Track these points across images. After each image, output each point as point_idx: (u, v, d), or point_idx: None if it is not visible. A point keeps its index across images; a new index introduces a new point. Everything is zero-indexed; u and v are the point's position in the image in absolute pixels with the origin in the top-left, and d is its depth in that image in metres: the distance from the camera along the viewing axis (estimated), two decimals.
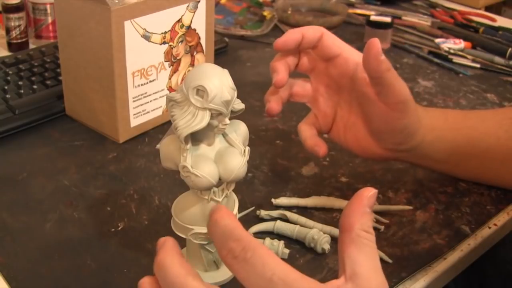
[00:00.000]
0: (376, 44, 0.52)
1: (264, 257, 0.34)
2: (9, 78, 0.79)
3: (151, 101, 0.73)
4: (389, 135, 0.57)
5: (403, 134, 0.57)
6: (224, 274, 0.52)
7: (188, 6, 0.72)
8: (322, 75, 0.59)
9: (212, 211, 0.37)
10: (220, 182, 0.47)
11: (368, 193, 0.36)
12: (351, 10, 1.17)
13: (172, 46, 0.72)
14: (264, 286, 0.33)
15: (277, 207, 0.61)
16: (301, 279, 0.33)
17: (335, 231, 0.57)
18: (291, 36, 0.58)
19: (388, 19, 1.02)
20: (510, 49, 0.98)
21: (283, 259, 0.54)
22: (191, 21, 0.73)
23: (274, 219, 0.59)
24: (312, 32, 0.57)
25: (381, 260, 0.55)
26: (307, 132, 0.60)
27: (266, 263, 0.33)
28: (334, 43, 0.57)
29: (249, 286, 0.34)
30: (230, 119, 0.46)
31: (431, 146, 0.59)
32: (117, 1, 0.64)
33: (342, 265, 0.35)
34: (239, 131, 0.49)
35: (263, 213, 0.60)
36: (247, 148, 0.48)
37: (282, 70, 0.57)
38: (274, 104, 0.58)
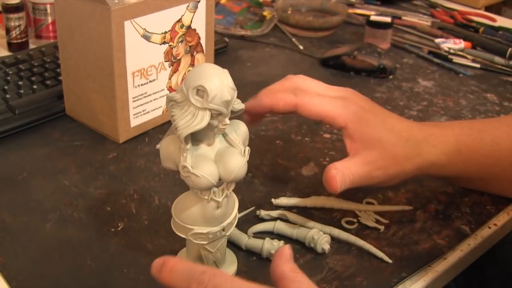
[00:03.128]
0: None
1: (230, 279, 0.39)
2: (9, 78, 0.79)
3: (151, 101, 0.73)
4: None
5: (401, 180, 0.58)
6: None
7: (188, 6, 0.72)
8: None
9: (159, 265, 0.41)
10: (220, 182, 0.47)
11: (285, 248, 0.43)
12: (351, 10, 1.17)
13: (172, 46, 0.72)
14: None
15: (277, 207, 0.61)
16: None
17: (335, 231, 0.57)
18: (260, 104, 0.57)
19: (388, 19, 1.02)
20: (510, 49, 0.98)
21: None
22: (191, 21, 0.73)
23: (274, 219, 0.59)
24: (283, 106, 0.56)
25: (381, 260, 0.55)
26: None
27: (233, 281, 0.39)
28: (311, 113, 0.56)
29: None
30: (230, 119, 0.46)
31: (441, 169, 0.58)
32: (117, 1, 0.64)
33: None
34: (239, 131, 0.49)
35: (263, 213, 0.60)
36: (247, 148, 0.48)
37: (262, 104, 0.57)
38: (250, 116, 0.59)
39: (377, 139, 0.55)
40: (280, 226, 0.58)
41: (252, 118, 0.60)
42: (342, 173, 0.53)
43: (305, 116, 0.56)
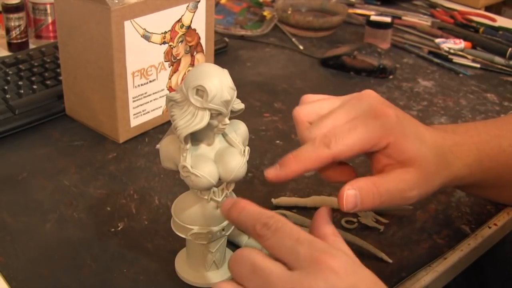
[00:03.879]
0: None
1: (291, 225, 0.40)
2: (9, 78, 0.79)
3: (151, 101, 0.73)
4: None
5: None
6: (224, 274, 0.52)
7: (188, 6, 0.72)
8: None
9: (229, 204, 0.43)
10: (220, 182, 0.47)
11: (328, 209, 0.44)
12: (351, 10, 1.17)
13: (172, 46, 0.72)
14: (292, 245, 0.39)
15: (277, 207, 0.61)
16: (320, 241, 0.40)
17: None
18: (292, 173, 0.48)
19: (388, 19, 1.02)
20: (510, 49, 0.98)
21: None
22: (191, 21, 0.73)
23: None
24: (319, 166, 0.47)
25: (381, 260, 0.55)
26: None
27: (294, 228, 0.40)
28: (353, 154, 0.47)
29: (279, 248, 0.39)
30: (230, 119, 0.46)
31: (461, 181, 0.54)
32: (117, 1, 0.64)
33: None
34: (239, 131, 0.49)
35: None
36: (247, 148, 0.48)
37: (294, 169, 0.48)
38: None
39: (414, 156, 0.48)
40: None
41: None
42: (364, 191, 0.46)
43: (347, 160, 0.48)
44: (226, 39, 0.99)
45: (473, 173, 0.54)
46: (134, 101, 0.70)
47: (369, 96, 0.50)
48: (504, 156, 0.56)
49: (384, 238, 0.58)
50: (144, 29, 0.68)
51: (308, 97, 0.53)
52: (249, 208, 0.43)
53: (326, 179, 0.50)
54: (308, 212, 0.61)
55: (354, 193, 0.46)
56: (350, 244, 0.56)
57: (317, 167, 0.48)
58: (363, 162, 0.69)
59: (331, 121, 0.49)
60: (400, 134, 0.48)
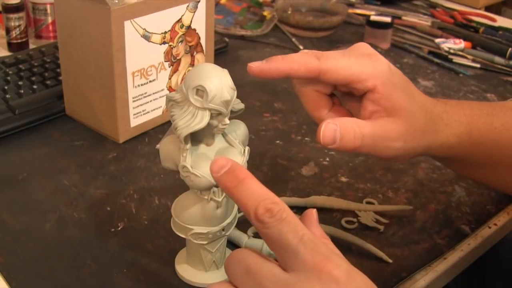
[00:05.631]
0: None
1: (296, 220, 0.37)
2: (9, 78, 0.79)
3: (151, 101, 0.73)
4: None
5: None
6: (224, 274, 0.52)
7: (188, 6, 0.72)
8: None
9: (221, 166, 0.38)
10: None
11: (314, 211, 0.42)
12: (351, 10, 1.17)
13: (172, 46, 0.72)
14: (295, 243, 0.36)
15: None
16: (324, 244, 0.37)
17: (335, 231, 0.57)
18: (273, 67, 0.48)
19: (388, 19, 1.02)
20: (510, 49, 0.98)
21: None
22: (191, 21, 0.73)
23: None
24: (304, 71, 0.48)
25: (381, 260, 0.55)
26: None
27: (298, 224, 0.37)
28: (339, 78, 0.48)
29: (280, 241, 0.36)
30: (230, 119, 0.46)
31: (448, 150, 0.54)
32: (117, 1, 0.64)
33: None
34: (239, 131, 0.49)
35: None
36: (247, 148, 0.48)
37: (277, 66, 0.48)
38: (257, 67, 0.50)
39: (403, 107, 0.49)
40: None
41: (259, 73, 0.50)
42: (345, 129, 0.46)
43: (331, 82, 0.48)
44: (226, 39, 0.99)
45: (462, 144, 0.54)
46: (134, 101, 0.70)
47: (365, 45, 0.51)
48: (495, 134, 0.56)
49: (384, 238, 0.58)
50: (144, 29, 0.68)
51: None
52: (251, 184, 0.38)
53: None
54: None
55: (334, 127, 0.46)
56: (350, 244, 0.57)
57: (302, 74, 0.47)
58: (363, 162, 0.70)
59: (332, 52, 0.49)
60: (389, 82, 0.48)
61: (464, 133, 0.53)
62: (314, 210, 0.41)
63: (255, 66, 0.49)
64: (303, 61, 0.48)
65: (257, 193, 0.37)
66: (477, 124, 0.54)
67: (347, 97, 0.52)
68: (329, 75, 0.48)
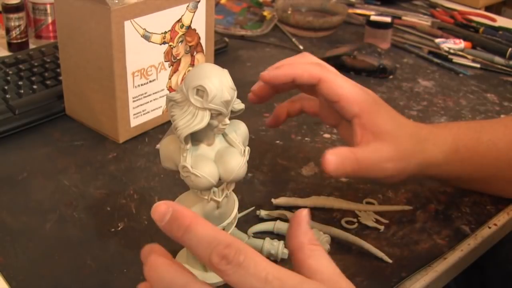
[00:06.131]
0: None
1: (255, 258, 0.35)
2: (9, 78, 0.79)
3: (151, 101, 0.73)
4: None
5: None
6: None
7: (188, 6, 0.72)
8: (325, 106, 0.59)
9: (168, 212, 0.37)
10: (220, 182, 0.47)
11: (303, 213, 0.39)
12: (351, 10, 1.17)
13: (172, 46, 0.72)
14: (260, 287, 0.34)
15: (277, 207, 0.61)
16: (293, 275, 0.35)
17: (335, 231, 0.57)
18: (281, 73, 0.55)
19: (388, 19, 1.02)
20: (510, 49, 0.98)
21: (283, 259, 0.54)
22: (191, 21, 0.73)
23: (274, 219, 0.59)
24: (307, 77, 0.54)
25: (381, 260, 0.55)
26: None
27: (258, 263, 0.34)
28: (331, 91, 0.54)
29: (245, 287, 0.34)
30: (230, 119, 0.46)
31: (438, 168, 0.58)
32: (117, 1, 0.64)
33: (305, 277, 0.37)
34: (239, 131, 0.49)
35: (263, 213, 0.60)
36: (247, 148, 0.48)
37: (283, 73, 0.56)
38: (273, 121, 0.62)
39: (389, 132, 0.54)
40: (280, 226, 0.58)
41: (258, 98, 0.59)
42: (343, 157, 0.52)
43: (324, 93, 0.54)
44: (226, 39, 0.99)
45: (450, 161, 0.57)
46: (134, 101, 0.70)
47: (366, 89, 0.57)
48: (482, 148, 0.59)
49: (384, 238, 0.58)
50: (144, 29, 0.68)
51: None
52: (197, 230, 0.35)
53: (322, 119, 0.60)
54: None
55: (335, 158, 0.51)
56: (350, 244, 0.57)
57: (305, 79, 0.54)
58: None
59: (330, 67, 0.57)
60: (374, 110, 0.54)
61: (450, 150, 0.57)
62: (305, 212, 0.39)
63: (267, 73, 0.55)
64: (307, 68, 0.54)
65: (206, 239, 0.35)
66: (464, 141, 0.58)
67: (343, 126, 0.59)
68: (325, 86, 0.54)
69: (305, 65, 0.55)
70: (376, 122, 0.54)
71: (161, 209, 0.37)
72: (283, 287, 0.34)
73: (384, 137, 0.54)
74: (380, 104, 0.56)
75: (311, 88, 0.56)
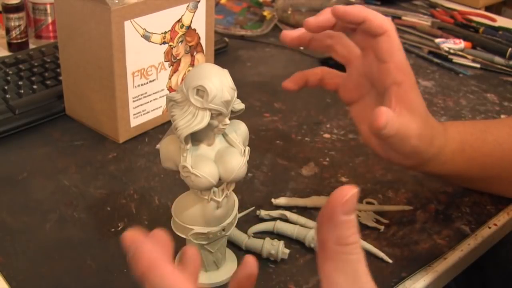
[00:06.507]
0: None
1: None
2: (9, 78, 0.79)
3: (151, 101, 0.73)
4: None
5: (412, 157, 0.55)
6: (224, 274, 0.52)
7: (188, 6, 0.72)
8: (358, 63, 0.56)
9: (136, 256, 0.34)
10: (220, 182, 0.47)
11: (344, 198, 0.31)
12: None
13: (172, 46, 0.72)
14: None
15: (277, 207, 0.61)
16: None
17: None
18: (355, 11, 0.51)
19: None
20: (510, 49, 0.98)
21: (283, 259, 0.54)
22: (191, 21, 0.73)
23: (274, 219, 0.59)
24: (377, 24, 0.51)
25: (381, 260, 0.55)
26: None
27: None
28: (389, 49, 0.52)
29: None
30: (230, 119, 0.46)
31: (441, 166, 0.57)
32: (117, 1, 0.64)
33: (322, 285, 0.32)
34: (239, 131, 0.49)
35: (263, 213, 0.60)
36: (247, 148, 0.48)
37: (326, 15, 0.52)
38: (291, 83, 0.59)
39: (421, 111, 0.53)
40: (280, 226, 0.58)
41: (293, 40, 0.58)
42: (391, 116, 0.49)
43: (382, 48, 0.52)
44: (226, 39, 0.99)
45: (455, 160, 0.57)
46: (134, 101, 0.70)
47: None
48: (488, 149, 0.59)
49: (384, 238, 0.58)
50: (144, 29, 0.68)
51: None
52: (156, 277, 0.34)
53: (340, 94, 0.58)
54: (308, 212, 0.61)
55: (388, 113, 0.48)
56: None
57: (375, 24, 0.51)
58: (363, 162, 0.70)
59: None
60: (413, 85, 0.52)
61: (457, 150, 0.57)
62: (351, 191, 0.31)
63: (340, 7, 0.51)
64: (378, 15, 0.52)
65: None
66: (469, 141, 0.58)
67: (360, 104, 0.57)
68: (387, 41, 0.51)
69: (376, 12, 0.52)
70: (412, 97, 0.52)
71: (126, 241, 0.35)
72: None
73: (416, 113, 0.52)
74: (416, 83, 0.54)
75: (361, 39, 0.54)
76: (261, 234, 0.58)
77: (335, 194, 0.31)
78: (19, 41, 0.94)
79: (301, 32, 0.57)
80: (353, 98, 0.58)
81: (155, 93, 0.73)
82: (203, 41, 0.77)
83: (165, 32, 0.71)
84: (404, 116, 0.51)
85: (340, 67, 0.93)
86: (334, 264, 0.31)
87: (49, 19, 0.96)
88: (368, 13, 0.51)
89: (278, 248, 0.54)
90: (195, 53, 0.76)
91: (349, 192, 0.30)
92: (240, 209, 0.56)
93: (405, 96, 0.52)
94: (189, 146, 0.45)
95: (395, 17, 1.11)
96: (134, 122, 0.72)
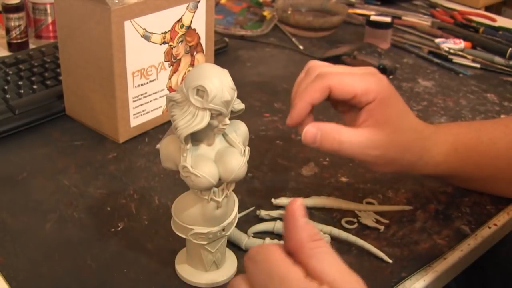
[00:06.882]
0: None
1: None
2: (9, 78, 0.79)
3: (151, 101, 0.73)
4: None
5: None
6: (224, 274, 0.52)
7: (188, 6, 0.72)
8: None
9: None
10: (220, 182, 0.47)
11: (295, 206, 0.38)
12: (351, 10, 1.17)
13: (172, 46, 0.72)
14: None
15: (277, 207, 0.61)
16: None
17: (335, 231, 0.57)
18: (300, 112, 0.53)
19: (388, 19, 1.02)
20: (510, 49, 0.98)
21: None
22: (191, 21, 0.73)
23: (274, 219, 0.59)
24: (319, 96, 0.53)
25: (381, 260, 0.55)
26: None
27: None
28: (345, 91, 0.53)
29: None
30: (230, 119, 0.46)
31: (435, 168, 0.58)
32: (117, 1, 0.64)
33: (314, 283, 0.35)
34: (239, 131, 0.49)
35: (263, 213, 0.60)
36: (247, 148, 0.48)
37: (300, 108, 0.54)
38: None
39: (391, 121, 0.54)
40: (280, 226, 0.58)
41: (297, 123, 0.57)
42: (324, 132, 0.52)
43: (339, 97, 0.53)
44: (226, 39, 0.99)
45: (449, 161, 0.58)
46: (134, 101, 0.70)
47: (372, 68, 0.57)
48: (482, 148, 0.59)
49: (384, 238, 0.58)
50: (144, 29, 0.68)
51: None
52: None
53: (332, 105, 0.58)
54: (308, 212, 0.61)
55: (315, 131, 0.53)
56: (350, 244, 0.57)
57: (319, 98, 0.53)
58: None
59: (335, 67, 0.56)
60: (388, 97, 0.54)
61: (450, 150, 0.58)
62: (298, 203, 0.38)
63: (288, 122, 0.54)
64: (314, 88, 0.53)
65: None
66: (463, 140, 0.59)
67: (351, 113, 0.57)
68: (337, 89, 0.53)
69: (310, 87, 0.54)
70: (382, 110, 0.54)
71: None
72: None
73: (383, 126, 0.54)
74: (394, 94, 0.56)
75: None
76: (261, 234, 0.58)
77: (289, 206, 0.38)
78: (19, 41, 0.94)
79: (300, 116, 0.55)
80: (343, 110, 0.59)
81: (155, 93, 0.73)
82: (203, 41, 0.77)
83: (165, 32, 0.71)
84: (365, 129, 0.53)
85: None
86: (316, 258, 0.36)
87: (49, 19, 0.96)
88: (306, 98, 0.53)
89: None
90: (195, 53, 0.76)
91: (297, 201, 0.38)
92: (240, 209, 0.56)
93: (375, 110, 0.53)
94: (189, 146, 0.45)
95: (395, 17, 1.11)
96: (134, 122, 0.72)
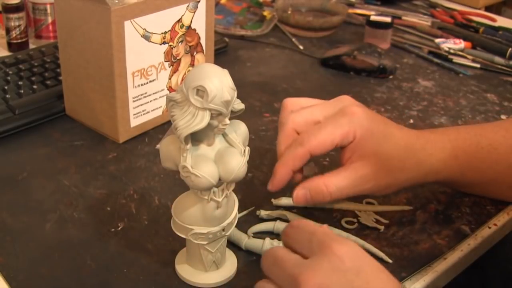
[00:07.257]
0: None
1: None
2: (9, 78, 0.79)
3: (151, 101, 0.73)
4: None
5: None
6: (224, 274, 0.52)
7: (188, 6, 0.72)
8: None
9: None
10: (220, 182, 0.47)
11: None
12: (351, 10, 1.17)
13: (172, 46, 0.72)
14: (308, 237, 0.44)
15: (277, 207, 0.61)
16: (333, 234, 0.44)
17: (335, 231, 0.57)
18: (282, 178, 0.55)
19: (388, 19, 1.02)
20: (510, 49, 0.98)
21: None
22: (191, 21, 0.73)
23: (274, 219, 0.59)
24: (299, 163, 0.55)
25: (381, 260, 0.55)
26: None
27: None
28: (326, 149, 0.54)
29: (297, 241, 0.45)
30: (230, 119, 0.46)
31: (436, 175, 0.58)
32: (117, 1, 0.64)
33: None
34: (239, 131, 0.49)
35: (263, 213, 0.60)
36: (247, 148, 0.48)
37: (282, 175, 0.55)
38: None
39: (375, 151, 0.54)
40: (280, 226, 0.58)
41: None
42: (314, 191, 0.54)
43: (321, 153, 0.55)
44: (226, 39, 0.99)
45: (449, 167, 0.58)
46: (134, 101, 0.70)
47: (344, 99, 0.57)
48: (482, 153, 0.59)
49: (384, 238, 0.58)
50: (144, 29, 0.68)
51: (294, 103, 0.60)
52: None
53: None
54: (308, 212, 0.61)
55: (304, 192, 0.54)
56: None
57: (300, 164, 0.55)
58: None
59: (305, 114, 0.57)
60: (366, 130, 0.54)
61: (449, 157, 0.58)
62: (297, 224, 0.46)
63: (270, 187, 0.56)
64: (293, 156, 0.54)
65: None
66: (462, 146, 0.58)
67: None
68: (318, 151, 0.54)
69: (290, 156, 0.55)
70: (363, 144, 0.54)
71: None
72: (324, 236, 0.42)
73: (368, 158, 0.54)
74: (372, 120, 0.55)
75: None
76: (261, 234, 0.58)
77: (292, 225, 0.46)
78: (19, 41, 0.94)
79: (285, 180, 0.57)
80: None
81: (155, 93, 0.73)
82: (203, 41, 0.77)
83: (165, 32, 0.71)
84: (351, 167, 0.54)
85: (341, 68, 0.93)
86: (337, 241, 0.42)
87: (49, 19, 0.96)
88: (287, 168, 0.55)
89: None
90: (195, 53, 0.76)
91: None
92: (240, 209, 0.56)
93: (357, 146, 0.54)
94: (189, 146, 0.45)
95: (395, 17, 1.11)
96: (134, 122, 0.72)
